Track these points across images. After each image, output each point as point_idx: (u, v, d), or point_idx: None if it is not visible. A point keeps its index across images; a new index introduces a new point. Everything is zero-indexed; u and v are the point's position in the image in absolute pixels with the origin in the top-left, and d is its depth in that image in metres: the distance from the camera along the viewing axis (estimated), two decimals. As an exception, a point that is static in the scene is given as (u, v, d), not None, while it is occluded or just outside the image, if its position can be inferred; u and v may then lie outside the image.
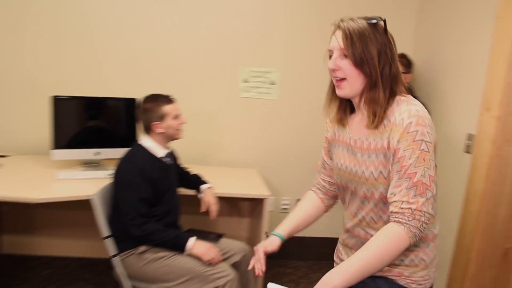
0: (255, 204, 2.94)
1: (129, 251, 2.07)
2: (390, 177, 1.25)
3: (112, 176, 2.14)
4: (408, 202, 1.17)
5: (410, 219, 1.16)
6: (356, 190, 1.36)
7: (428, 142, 1.19)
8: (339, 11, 3.00)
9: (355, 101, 1.35)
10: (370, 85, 1.27)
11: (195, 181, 2.44)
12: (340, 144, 1.43)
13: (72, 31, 2.84)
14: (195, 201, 2.43)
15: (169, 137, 2.20)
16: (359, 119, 1.36)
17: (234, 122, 3.11)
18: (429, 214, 1.18)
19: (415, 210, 1.16)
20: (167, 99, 2.17)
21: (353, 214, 1.40)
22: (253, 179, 2.84)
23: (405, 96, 1.29)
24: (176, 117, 2.18)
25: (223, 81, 3.04)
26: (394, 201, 1.19)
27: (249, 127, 3.13)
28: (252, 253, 1.65)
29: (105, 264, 2.94)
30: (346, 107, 1.40)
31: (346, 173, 1.39)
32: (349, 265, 1.13)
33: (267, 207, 2.53)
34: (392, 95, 1.28)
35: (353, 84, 1.28)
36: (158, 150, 2.17)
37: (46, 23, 2.80)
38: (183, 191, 2.43)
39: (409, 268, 1.32)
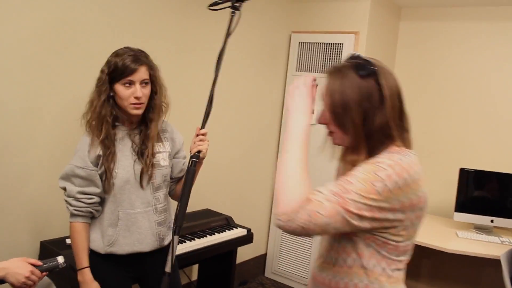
0: None
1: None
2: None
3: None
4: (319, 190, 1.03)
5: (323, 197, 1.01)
6: None
7: (388, 188, 1.00)
8: None
9: None
10: (353, 145, 1.10)
11: None
12: None
13: (477, 108, 3.44)
14: None
15: None
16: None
17: None
18: (318, 214, 0.99)
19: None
20: None
21: (320, 253, 1.25)
22: None
23: (399, 147, 1.10)
24: None
25: None
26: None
27: None
28: None
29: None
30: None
31: None
32: None
33: None
34: (382, 146, 1.10)
35: (341, 139, 1.14)
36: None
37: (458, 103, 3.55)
38: None
39: None
